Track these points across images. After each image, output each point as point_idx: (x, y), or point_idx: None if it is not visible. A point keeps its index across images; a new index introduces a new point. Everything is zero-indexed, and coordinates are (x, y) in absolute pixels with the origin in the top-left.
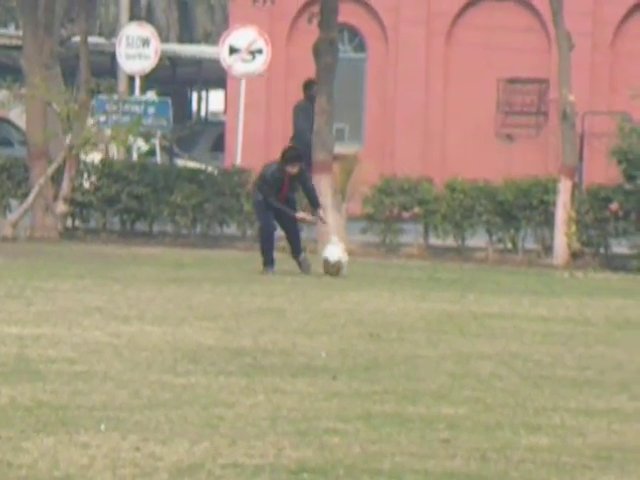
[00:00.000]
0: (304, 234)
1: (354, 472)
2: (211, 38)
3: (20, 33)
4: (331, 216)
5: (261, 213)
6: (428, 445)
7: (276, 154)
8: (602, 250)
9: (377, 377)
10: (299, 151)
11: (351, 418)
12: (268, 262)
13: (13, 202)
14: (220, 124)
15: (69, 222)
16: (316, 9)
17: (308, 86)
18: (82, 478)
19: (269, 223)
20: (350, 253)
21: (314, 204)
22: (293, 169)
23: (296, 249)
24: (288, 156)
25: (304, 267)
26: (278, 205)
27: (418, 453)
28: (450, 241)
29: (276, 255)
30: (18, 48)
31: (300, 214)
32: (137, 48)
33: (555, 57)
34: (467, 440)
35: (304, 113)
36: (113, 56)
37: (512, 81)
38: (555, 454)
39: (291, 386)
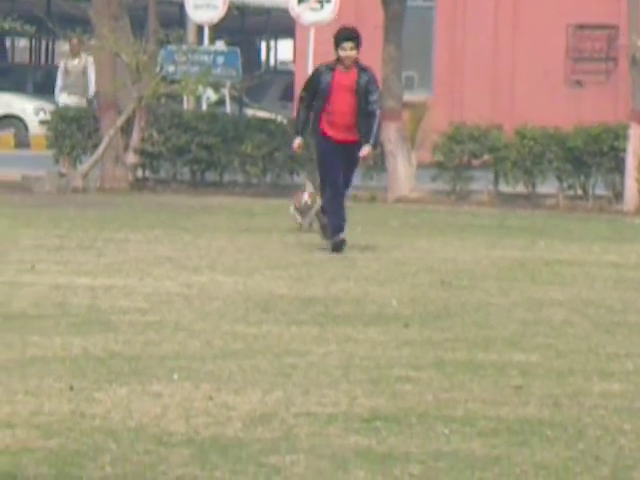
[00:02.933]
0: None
1: (427, 420)
2: None
3: None
4: (401, 164)
5: (324, 154)
6: (500, 392)
7: None
8: None
9: (449, 325)
10: (356, 30)
11: (423, 366)
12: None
13: (84, 153)
14: (289, 73)
15: (139, 173)
16: None
17: None
18: (155, 428)
19: (334, 173)
20: (420, 201)
21: (367, 138)
22: (348, 53)
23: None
24: (341, 35)
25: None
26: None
27: (491, 400)
28: (520, 188)
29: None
30: (87, 0)
31: (365, 149)
32: None
33: (624, 3)
34: (539, 387)
35: None
36: (182, 6)
37: (581, 27)
38: (627, 400)
39: (363, 335)
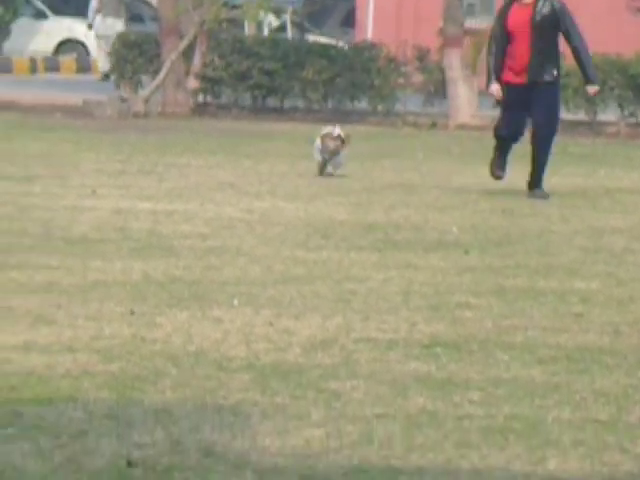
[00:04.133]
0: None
1: (487, 346)
2: None
3: None
4: (463, 90)
5: (505, 102)
6: (561, 319)
7: (407, 30)
8: None
9: (509, 252)
10: None
11: (483, 292)
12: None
13: (145, 78)
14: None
15: (200, 98)
16: None
17: None
18: (216, 353)
19: (512, 121)
20: (482, 127)
21: (585, 74)
22: None
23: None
24: None
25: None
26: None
27: (551, 327)
28: (582, 115)
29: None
30: None
31: (591, 88)
32: None
33: None
34: (600, 314)
35: None
36: None
37: None
38: None
39: (423, 261)
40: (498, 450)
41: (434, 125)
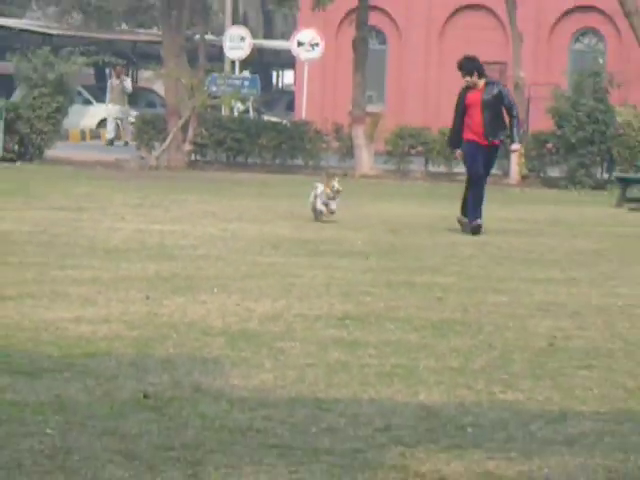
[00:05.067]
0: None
1: (380, 319)
2: (285, 36)
3: (160, 33)
4: (364, 152)
5: (469, 157)
6: (428, 302)
7: (328, 112)
8: (542, 174)
9: (395, 258)
10: (475, 60)
11: (378, 284)
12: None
13: (156, 144)
14: (291, 92)
15: (192, 157)
16: (354, 17)
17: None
18: (202, 323)
19: (474, 169)
20: (377, 176)
21: (512, 136)
22: (467, 80)
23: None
24: (460, 64)
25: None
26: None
27: (422, 307)
28: (442, 169)
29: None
30: (159, 43)
31: (515, 146)
32: (236, 42)
33: (510, 48)
34: (454, 299)
35: None
36: (221, 48)
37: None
38: (512, 307)
39: (339, 264)
40: (387, 387)
41: (346, 175)
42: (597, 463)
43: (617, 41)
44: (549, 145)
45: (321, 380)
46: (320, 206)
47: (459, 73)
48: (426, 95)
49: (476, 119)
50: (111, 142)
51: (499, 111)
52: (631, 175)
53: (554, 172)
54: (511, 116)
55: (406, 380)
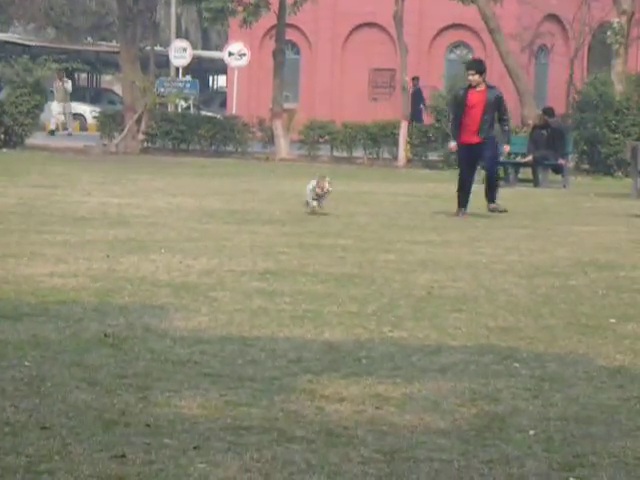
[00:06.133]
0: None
1: (294, 274)
2: (219, 47)
3: (119, 45)
4: (282, 141)
5: (463, 161)
6: (332, 260)
7: (253, 108)
8: (423, 158)
9: (306, 225)
10: (483, 63)
11: (292, 245)
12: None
13: (116, 134)
14: (224, 92)
15: (145, 144)
16: (274, 32)
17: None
18: (151, 277)
19: (465, 175)
20: (292, 160)
21: (505, 138)
22: (470, 78)
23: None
24: (471, 63)
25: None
26: (452, 129)
27: (327, 264)
28: (344, 154)
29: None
30: (118, 53)
31: (506, 147)
32: (180, 53)
33: (398, 57)
34: (352, 257)
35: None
36: (167, 57)
37: (377, 69)
38: (398, 264)
39: (261, 230)
40: (299, 327)
41: (268, 159)
42: (464, 386)
43: (483, 52)
44: (430, 135)
45: (246, 322)
46: (311, 200)
47: (359, 77)
48: (331, 95)
49: (476, 119)
50: (52, 132)
51: (494, 113)
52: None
53: (434, 156)
54: (504, 120)
55: (314, 322)
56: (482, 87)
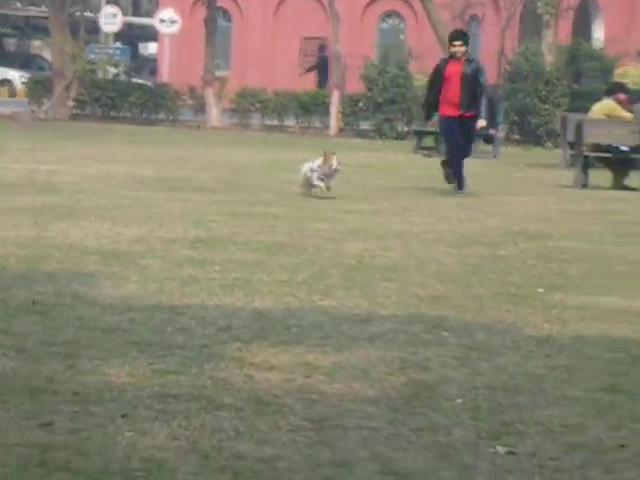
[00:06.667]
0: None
1: (224, 242)
2: (150, 14)
3: (48, 10)
4: (214, 109)
5: (445, 133)
6: (263, 228)
7: (185, 77)
8: (355, 127)
9: (237, 193)
10: (467, 33)
11: (223, 214)
12: (460, 183)
13: (45, 100)
14: (154, 60)
15: (75, 111)
16: None
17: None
18: (81, 244)
19: (453, 142)
20: (224, 128)
21: (478, 113)
22: (456, 49)
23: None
24: (455, 33)
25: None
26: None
27: (257, 232)
28: (275, 122)
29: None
30: (47, 18)
31: (480, 122)
32: (110, 19)
33: (330, 26)
34: (283, 226)
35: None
36: (97, 23)
37: (307, 38)
38: (329, 233)
39: (192, 197)
40: (229, 296)
41: (199, 127)
42: (394, 355)
43: (415, 22)
44: (361, 104)
45: (176, 290)
46: (317, 181)
47: (291, 45)
48: (263, 63)
49: (454, 91)
50: None
51: (474, 87)
52: (425, 128)
53: (365, 126)
54: (480, 94)
55: (244, 290)
56: (462, 60)
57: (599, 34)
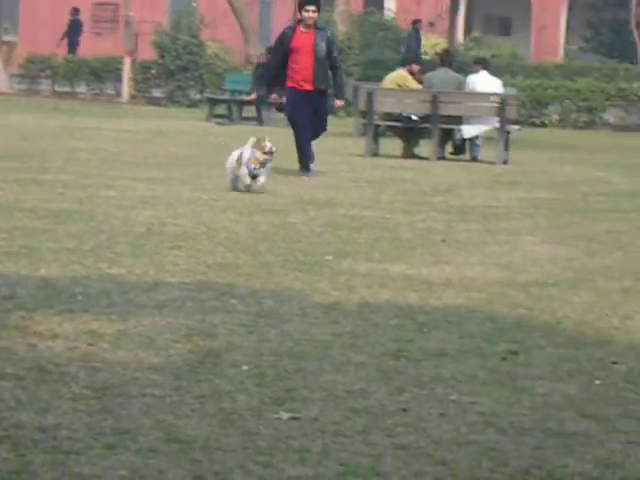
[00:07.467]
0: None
1: (10, 209)
2: None
3: None
4: (2, 74)
5: (290, 105)
6: (51, 195)
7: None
8: (147, 95)
9: (24, 160)
10: None
11: (9, 181)
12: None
13: None
14: None
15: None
16: None
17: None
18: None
19: (296, 116)
20: (12, 94)
21: (337, 90)
22: (309, 15)
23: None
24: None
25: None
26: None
27: (45, 199)
28: (66, 89)
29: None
30: None
31: (338, 102)
32: None
33: None
34: (72, 193)
35: None
36: None
37: (99, 4)
38: (119, 200)
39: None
40: (14, 264)
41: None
42: (181, 323)
43: None
44: (153, 71)
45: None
46: (245, 177)
47: (83, 10)
48: (54, 28)
49: (306, 64)
50: None
51: (327, 58)
52: (218, 96)
53: (157, 93)
54: (335, 67)
55: (30, 258)
56: (311, 29)
57: (390, 4)
